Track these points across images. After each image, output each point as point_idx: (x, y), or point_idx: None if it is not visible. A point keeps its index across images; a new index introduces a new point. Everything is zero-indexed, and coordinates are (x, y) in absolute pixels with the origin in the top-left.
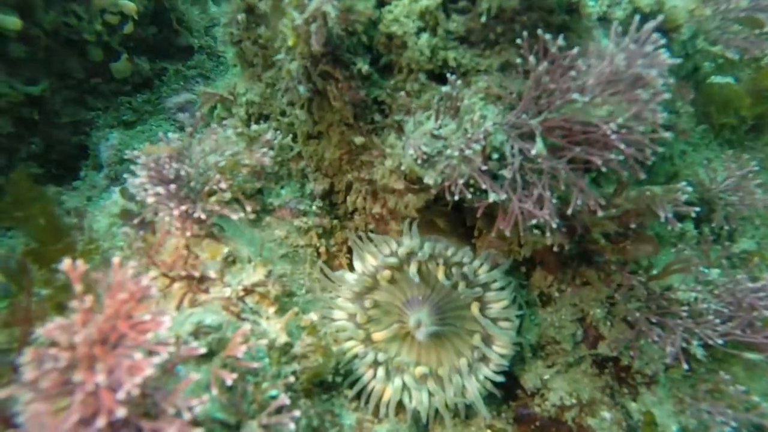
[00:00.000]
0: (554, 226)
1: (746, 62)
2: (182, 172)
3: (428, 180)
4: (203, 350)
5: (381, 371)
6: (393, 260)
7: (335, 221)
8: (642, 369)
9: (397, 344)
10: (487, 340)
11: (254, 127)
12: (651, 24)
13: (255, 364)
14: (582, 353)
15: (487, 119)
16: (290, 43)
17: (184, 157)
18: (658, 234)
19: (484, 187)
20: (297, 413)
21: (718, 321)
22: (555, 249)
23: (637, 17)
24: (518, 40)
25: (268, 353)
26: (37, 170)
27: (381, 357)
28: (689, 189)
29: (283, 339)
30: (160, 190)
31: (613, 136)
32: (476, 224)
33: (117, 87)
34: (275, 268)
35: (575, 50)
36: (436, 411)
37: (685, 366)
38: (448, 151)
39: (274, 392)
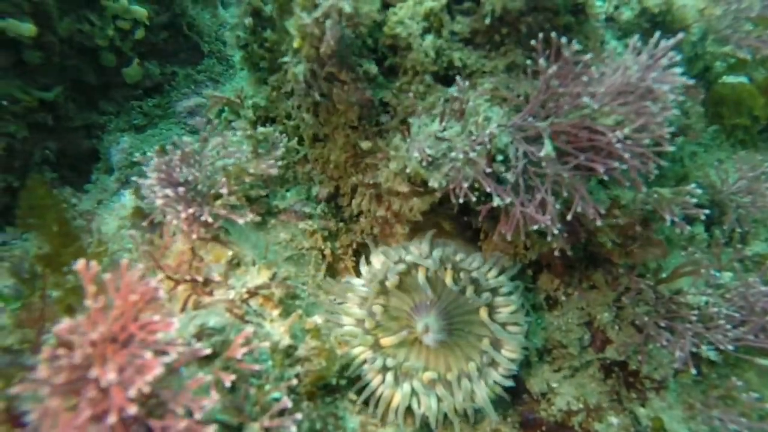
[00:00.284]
0: (555, 231)
1: (760, 62)
2: (190, 176)
3: (433, 183)
4: (208, 351)
5: (390, 376)
6: (402, 267)
7: (341, 224)
8: (650, 374)
9: (405, 349)
10: (496, 345)
11: (261, 129)
12: (670, 42)
13: (256, 366)
14: (589, 357)
15: (492, 121)
16: (296, 44)
17: (194, 161)
18: (667, 237)
19: (488, 190)
20: (299, 416)
21: (729, 326)
22: (556, 254)
23: (657, 33)
24: (532, 42)
25: (271, 356)
26: (51, 174)
27: (390, 362)
28: (698, 191)
29: (286, 341)
30: (169, 192)
31: (618, 145)
32: (482, 227)
33: (128, 91)
34: (280, 270)
35: (588, 56)
36: (445, 416)
37: (694, 371)
38: (453, 154)
39: (276, 395)
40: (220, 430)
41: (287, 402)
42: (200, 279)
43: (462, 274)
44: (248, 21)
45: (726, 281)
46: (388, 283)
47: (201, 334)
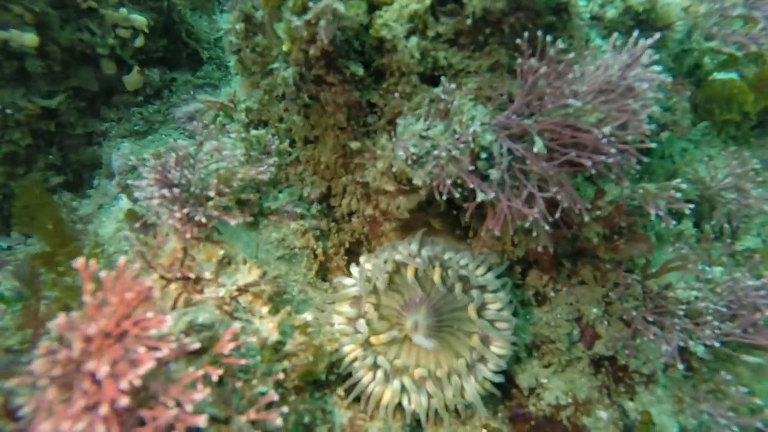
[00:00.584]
0: (546, 227)
1: (751, 58)
2: (183, 179)
3: (417, 180)
4: (197, 346)
5: (380, 373)
6: (391, 266)
7: (332, 224)
8: (639, 368)
9: (396, 347)
10: (485, 341)
11: (253, 132)
12: (648, 41)
13: (243, 361)
14: (578, 352)
15: (476, 120)
16: (285, 48)
17: (189, 163)
18: (657, 233)
19: (471, 186)
20: (285, 409)
21: (716, 322)
22: (540, 250)
23: (636, 32)
24: (517, 41)
25: (260, 351)
26: (55, 179)
27: (380, 360)
28: (683, 186)
29: (275, 337)
30: (165, 192)
31: (604, 141)
32: (471, 225)
33: (129, 98)
34: (270, 269)
35: (572, 54)
36: (435, 411)
37: (681, 366)
38: (436, 152)
39: (263, 389)
40: (207, 422)
41: (274, 395)
42: (192, 276)
43: (450, 272)
44: (240, 26)
45: (716, 276)
46: (377, 283)
47: (190, 330)
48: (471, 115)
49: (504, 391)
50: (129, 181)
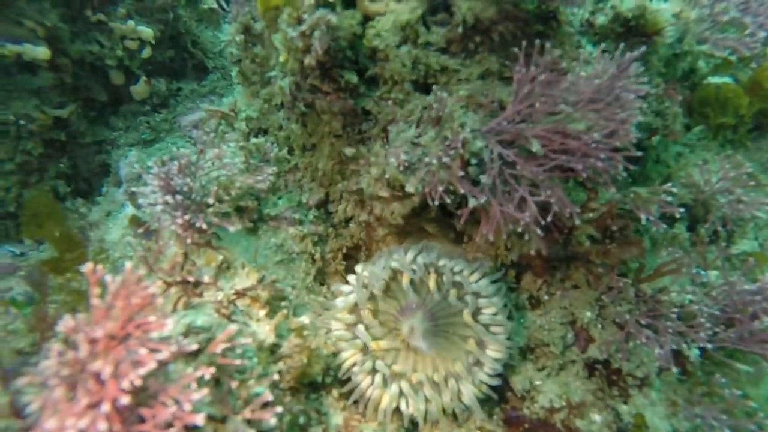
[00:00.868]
0: (538, 230)
1: (746, 62)
2: (185, 186)
3: (409, 188)
4: (195, 347)
5: (378, 378)
6: (387, 273)
7: (330, 229)
8: (633, 371)
9: (394, 352)
10: (481, 345)
11: (253, 140)
12: (635, 53)
13: (237, 362)
14: (572, 356)
15: (466, 126)
16: (282, 58)
17: (192, 171)
18: (652, 237)
19: (462, 191)
20: (279, 409)
21: (709, 324)
22: (533, 253)
23: (621, 44)
24: (515, 50)
25: (256, 353)
26: (65, 188)
27: (379, 364)
28: (674, 190)
29: (271, 340)
30: (169, 199)
31: (593, 145)
32: (465, 230)
33: (137, 108)
34: (269, 273)
35: (564, 63)
36: (433, 415)
37: (674, 369)
38: (427, 159)
39: (259, 389)
40: (205, 421)
41: (269, 396)
42: (191, 280)
43: (445, 278)
44: (239, 38)
45: (711, 280)
46: (374, 290)
47: (188, 333)
48: (461, 121)
49: (499, 394)
50: (133, 188)
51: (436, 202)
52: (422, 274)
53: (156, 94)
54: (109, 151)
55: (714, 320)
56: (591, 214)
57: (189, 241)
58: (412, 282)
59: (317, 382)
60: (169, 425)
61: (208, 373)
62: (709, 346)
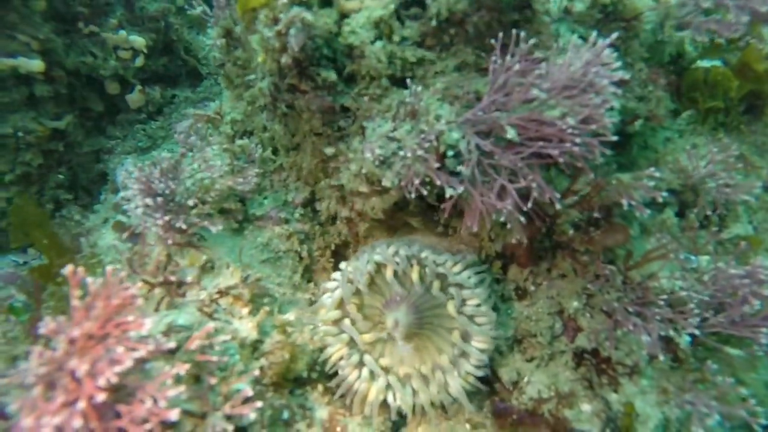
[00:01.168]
0: (521, 218)
1: (735, 45)
2: (167, 189)
3: (386, 182)
4: (173, 345)
5: (365, 371)
6: (371, 267)
7: (318, 227)
8: (622, 360)
9: (381, 345)
10: (467, 337)
11: (238, 142)
12: (607, 40)
13: (214, 358)
14: (561, 346)
15: (442, 118)
16: (260, 59)
17: (174, 174)
18: (641, 223)
19: (438, 183)
20: (259, 404)
21: (698, 311)
22: (514, 242)
23: (594, 31)
24: (492, 41)
25: (239, 350)
26: (65, 196)
27: (366, 358)
28: (657, 174)
29: (253, 336)
30: (149, 201)
31: (569, 131)
32: (449, 223)
33: (133, 116)
34: (254, 272)
35: (539, 52)
36: (420, 407)
37: (665, 356)
38: (402, 152)
39: (240, 385)
40: (184, 418)
41: (249, 391)
42: (173, 280)
43: (428, 270)
44: (221, 42)
45: (702, 265)
46: (359, 285)
47: (169, 331)
48: (437, 114)
49: (487, 385)
50: (120, 194)
51: (413, 195)
52: (405, 266)
53: (151, 102)
54: (107, 159)
55: (704, 306)
56: (575, 198)
57: (170, 241)
58: (396, 274)
59: (302, 378)
60: (145, 421)
61: (183, 369)
62: (698, 332)
